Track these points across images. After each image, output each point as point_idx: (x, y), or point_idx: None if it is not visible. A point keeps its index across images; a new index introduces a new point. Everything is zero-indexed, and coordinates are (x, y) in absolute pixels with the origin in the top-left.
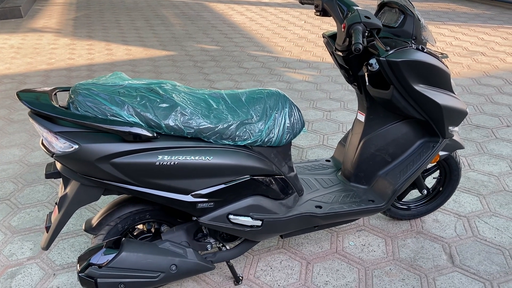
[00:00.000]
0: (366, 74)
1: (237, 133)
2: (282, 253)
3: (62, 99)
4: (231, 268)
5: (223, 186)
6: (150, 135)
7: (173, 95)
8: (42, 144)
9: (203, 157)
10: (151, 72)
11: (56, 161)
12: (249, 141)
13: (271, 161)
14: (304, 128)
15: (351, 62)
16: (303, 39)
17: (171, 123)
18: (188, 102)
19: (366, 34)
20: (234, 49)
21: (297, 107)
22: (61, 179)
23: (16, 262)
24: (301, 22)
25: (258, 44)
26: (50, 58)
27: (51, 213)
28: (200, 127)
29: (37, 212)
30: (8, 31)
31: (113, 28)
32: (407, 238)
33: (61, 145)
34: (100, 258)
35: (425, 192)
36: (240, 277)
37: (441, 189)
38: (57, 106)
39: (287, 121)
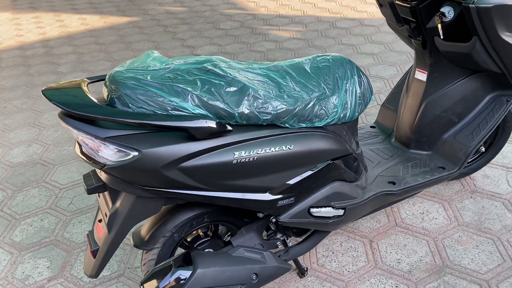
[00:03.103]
0: (439, 26)
1: (315, 112)
2: (338, 233)
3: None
4: (295, 260)
5: (304, 176)
6: (229, 128)
7: (235, 74)
8: (83, 153)
9: (283, 146)
10: (118, 42)
11: (100, 171)
12: (328, 120)
13: (344, 139)
14: (372, 97)
15: (418, 13)
16: None
17: (246, 111)
18: (256, 81)
19: None
20: (204, 8)
21: (364, 73)
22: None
23: (36, 286)
24: None
25: (228, 1)
26: None
27: (91, 232)
28: (278, 111)
29: (41, 222)
30: None
31: None
32: (464, 200)
33: (112, 154)
34: (172, 280)
35: (483, 148)
36: (305, 268)
37: (492, 142)
38: (100, 103)
39: (358, 91)
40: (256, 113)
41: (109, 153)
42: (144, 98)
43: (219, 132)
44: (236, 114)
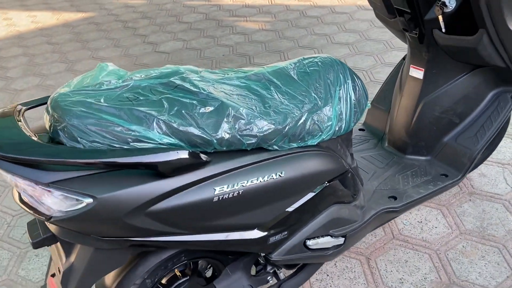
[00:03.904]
0: (440, 17)
1: (307, 129)
2: None
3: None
4: None
5: (298, 205)
6: (205, 159)
7: (210, 89)
8: (22, 201)
9: (273, 174)
10: (73, 41)
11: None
12: (322, 137)
13: (339, 155)
14: (368, 102)
15: (414, 3)
16: None
17: (226, 135)
18: (235, 96)
19: None
20: (165, 0)
21: (357, 75)
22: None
23: None
24: None
25: None
26: None
27: None
28: (265, 132)
29: None
30: None
31: None
32: (463, 204)
33: (59, 202)
34: None
35: None
36: None
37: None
38: (40, 141)
39: (353, 97)
40: (239, 137)
41: (55, 202)
42: (97, 129)
43: (194, 164)
44: (215, 141)
